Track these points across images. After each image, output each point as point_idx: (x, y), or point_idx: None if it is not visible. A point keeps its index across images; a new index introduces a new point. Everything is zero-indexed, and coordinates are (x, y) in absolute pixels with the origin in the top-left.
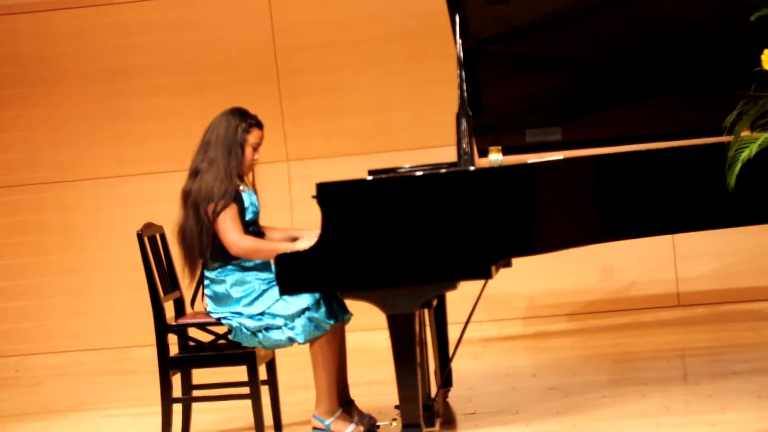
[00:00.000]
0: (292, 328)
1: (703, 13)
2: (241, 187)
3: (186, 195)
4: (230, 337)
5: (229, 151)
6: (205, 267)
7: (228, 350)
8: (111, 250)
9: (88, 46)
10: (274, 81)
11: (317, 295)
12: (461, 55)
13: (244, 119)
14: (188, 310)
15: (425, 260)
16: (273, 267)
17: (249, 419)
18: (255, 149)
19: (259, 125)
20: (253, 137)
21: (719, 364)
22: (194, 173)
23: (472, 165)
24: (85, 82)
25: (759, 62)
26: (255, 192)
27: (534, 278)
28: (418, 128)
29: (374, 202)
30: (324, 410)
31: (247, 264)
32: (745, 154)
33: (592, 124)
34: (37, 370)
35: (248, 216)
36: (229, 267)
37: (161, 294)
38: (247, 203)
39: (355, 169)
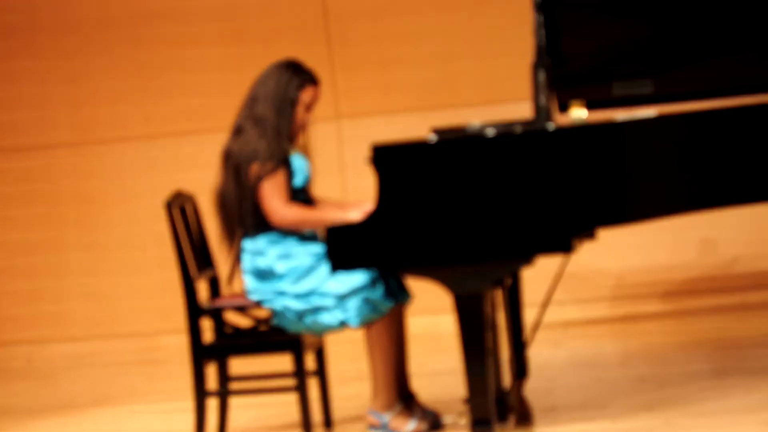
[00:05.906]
0: (344, 310)
1: None
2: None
3: (227, 156)
4: (273, 321)
5: (279, 109)
6: (245, 237)
7: (270, 337)
8: (136, 222)
9: None
10: (322, 27)
11: (373, 273)
12: None
13: (297, 74)
14: (224, 290)
15: (497, 232)
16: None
17: (295, 415)
18: (308, 109)
19: (314, 82)
20: (306, 95)
21: None
22: (237, 131)
23: (552, 122)
24: (105, 28)
25: None
26: (307, 156)
27: (623, 252)
28: (486, 81)
29: (439, 166)
30: (381, 404)
31: (294, 234)
32: None
33: (688, 75)
34: (52, 360)
35: (296, 182)
36: (274, 237)
37: (193, 272)
38: (295, 167)
39: (415, 127)
